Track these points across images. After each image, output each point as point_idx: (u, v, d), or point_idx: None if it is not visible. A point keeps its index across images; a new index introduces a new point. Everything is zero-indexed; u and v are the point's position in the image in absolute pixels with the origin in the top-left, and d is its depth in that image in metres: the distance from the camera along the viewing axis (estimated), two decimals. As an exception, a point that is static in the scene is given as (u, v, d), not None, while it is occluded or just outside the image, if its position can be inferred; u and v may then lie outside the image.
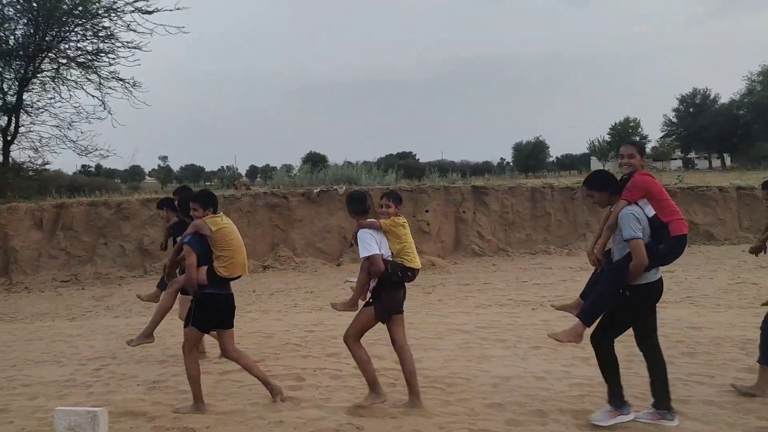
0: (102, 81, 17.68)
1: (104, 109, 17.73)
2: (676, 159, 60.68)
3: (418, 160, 61.02)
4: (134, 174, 70.10)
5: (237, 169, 73.71)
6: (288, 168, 30.11)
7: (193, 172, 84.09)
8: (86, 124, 33.76)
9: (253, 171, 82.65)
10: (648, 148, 62.74)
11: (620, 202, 4.10)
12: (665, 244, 4.03)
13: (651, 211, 4.08)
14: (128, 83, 17.58)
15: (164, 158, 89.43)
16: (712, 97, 53.91)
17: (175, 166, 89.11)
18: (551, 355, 5.96)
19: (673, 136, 58.07)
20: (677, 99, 55.87)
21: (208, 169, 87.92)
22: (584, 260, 13.04)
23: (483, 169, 49.91)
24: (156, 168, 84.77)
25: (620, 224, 4.02)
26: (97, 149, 18.53)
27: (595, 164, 57.73)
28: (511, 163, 61.42)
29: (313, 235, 14.63)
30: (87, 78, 17.76)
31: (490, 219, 15.27)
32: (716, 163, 55.01)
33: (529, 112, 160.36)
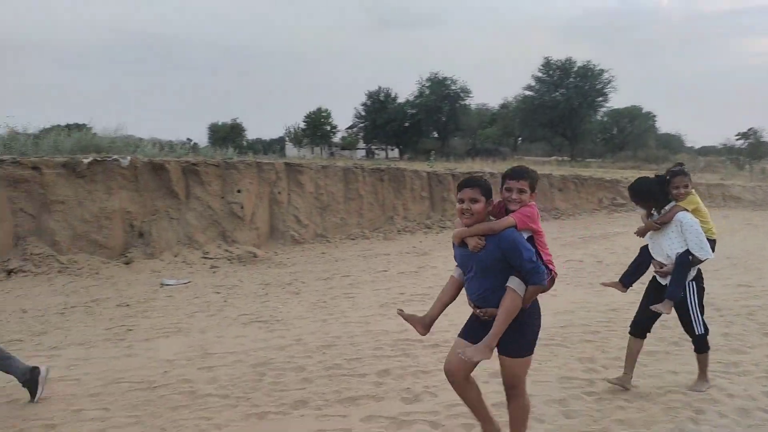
0: None
1: None
2: (361, 149, 66.61)
3: (95, 133, 51.83)
4: None
5: None
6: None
7: None
8: None
9: None
10: (338, 137, 68.00)
11: None
12: None
13: None
14: None
15: None
16: (393, 95, 60.72)
17: None
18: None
19: (357, 127, 63.60)
20: (366, 95, 61.17)
21: None
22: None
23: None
24: None
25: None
26: None
27: (291, 150, 59.20)
28: (197, 144, 56.97)
29: (83, 223, 10.54)
30: None
31: (305, 201, 13.53)
32: (392, 153, 62.40)
33: (224, 95, 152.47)
